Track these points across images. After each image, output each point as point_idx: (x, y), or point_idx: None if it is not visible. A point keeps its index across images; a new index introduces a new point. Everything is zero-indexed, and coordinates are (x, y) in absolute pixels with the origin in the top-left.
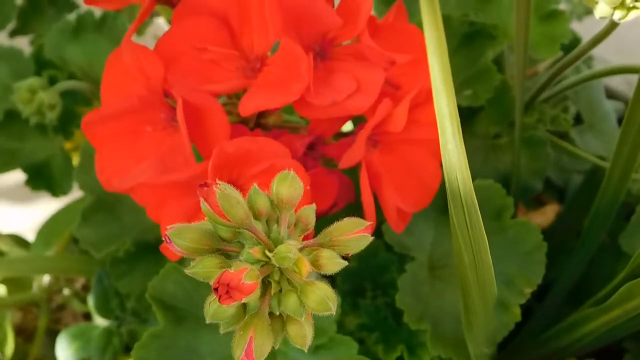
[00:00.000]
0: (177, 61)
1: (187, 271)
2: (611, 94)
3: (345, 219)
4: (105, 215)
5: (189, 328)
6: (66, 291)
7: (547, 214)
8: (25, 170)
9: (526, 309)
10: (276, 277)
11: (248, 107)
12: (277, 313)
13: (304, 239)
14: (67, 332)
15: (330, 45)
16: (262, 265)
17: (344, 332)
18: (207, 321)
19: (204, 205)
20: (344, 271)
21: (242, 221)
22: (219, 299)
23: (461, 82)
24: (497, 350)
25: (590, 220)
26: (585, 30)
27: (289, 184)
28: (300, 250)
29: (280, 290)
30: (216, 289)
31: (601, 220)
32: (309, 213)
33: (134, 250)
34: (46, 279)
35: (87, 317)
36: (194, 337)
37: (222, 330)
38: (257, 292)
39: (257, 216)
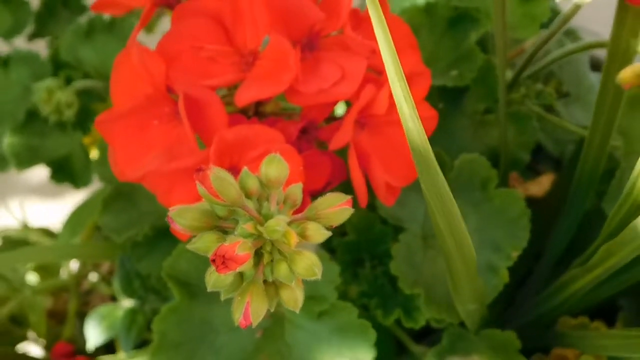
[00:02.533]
0: (178, 59)
1: (188, 246)
2: (597, 66)
3: (328, 193)
4: (124, 203)
5: (202, 302)
6: (93, 276)
7: (543, 183)
8: (48, 165)
9: (524, 274)
10: (268, 248)
11: (243, 98)
12: (271, 280)
13: (293, 214)
14: (95, 313)
15: (317, 37)
16: (255, 239)
17: (346, 300)
18: (208, 289)
19: (200, 188)
20: (344, 244)
21: (234, 200)
22: (217, 269)
23: (448, 63)
24: (497, 314)
25: (574, 187)
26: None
27: (276, 166)
28: (289, 223)
29: (272, 260)
30: (214, 260)
31: (584, 186)
32: (297, 191)
33: (151, 234)
34: (74, 265)
35: (114, 299)
36: (207, 310)
37: (222, 297)
38: (250, 261)
39: (249, 195)
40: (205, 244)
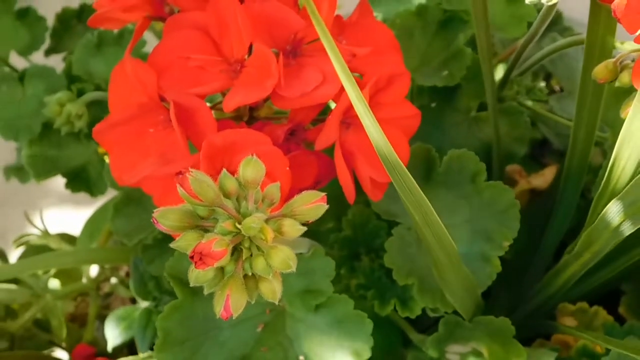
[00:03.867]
0: (169, 69)
1: (172, 245)
2: None
3: (303, 192)
4: (134, 208)
5: (204, 299)
6: (113, 280)
7: (546, 176)
8: (64, 175)
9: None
10: (247, 245)
11: (229, 103)
12: (250, 274)
13: (271, 211)
14: (114, 315)
15: (301, 44)
16: (233, 236)
17: (346, 293)
18: (191, 285)
19: (180, 190)
20: (341, 239)
21: (213, 200)
22: (195, 265)
23: (440, 63)
24: (499, 304)
25: (564, 179)
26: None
27: (253, 167)
28: (267, 221)
29: (251, 255)
30: (192, 257)
31: (574, 177)
32: (274, 190)
33: (161, 236)
34: (94, 270)
35: (134, 301)
36: (209, 307)
37: (205, 292)
38: (227, 257)
39: (228, 195)
40: (187, 242)
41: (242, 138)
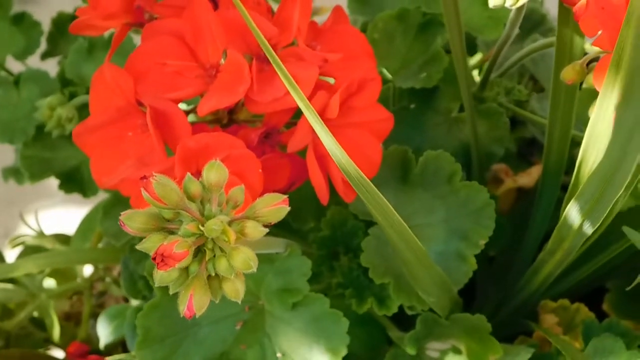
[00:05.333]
0: (146, 75)
1: (137, 247)
2: None
3: (266, 194)
4: (122, 209)
5: None
6: (107, 279)
7: (532, 175)
8: (57, 176)
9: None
10: (210, 246)
11: (203, 108)
12: (214, 274)
13: (236, 213)
14: (106, 314)
15: (275, 50)
16: (197, 237)
17: (327, 291)
18: (156, 285)
19: (144, 193)
20: (320, 239)
21: (176, 203)
22: (157, 267)
23: (419, 66)
24: (487, 301)
25: (541, 178)
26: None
27: (216, 171)
28: (230, 222)
29: (214, 256)
30: (154, 259)
31: (551, 176)
32: (238, 193)
33: None
34: (89, 270)
35: (127, 300)
36: None
37: (171, 291)
38: (189, 258)
39: (192, 198)
40: (152, 244)
41: (216, 141)
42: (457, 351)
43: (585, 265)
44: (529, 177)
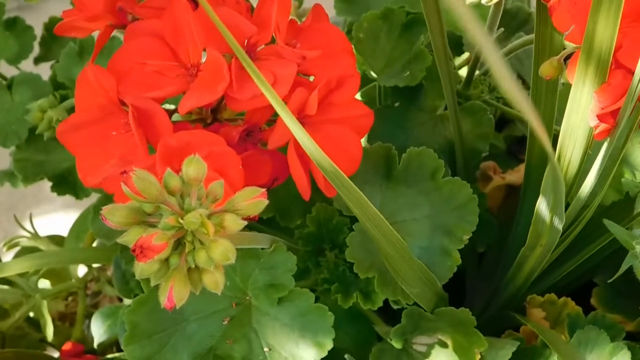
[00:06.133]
0: (128, 74)
1: (118, 240)
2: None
3: (245, 188)
4: None
5: None
6: (101, 279)
7: (521, 172)
8: (50, 179)
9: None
10: (189, 239)
11: (184, 106)
12: (194, 266)
13: (215, 207)
14: (99, 313)
15: (254, 48)
16: (177, 230)
17: (315, 287)
18: (137, 277)
19: (124, 188)
20: (306, 235)
21: (156, 197)
22: (137, 258)
23: (403, 64)
24: (478, 296)
25: (525, 174)
26: None
27: (195, 165)
28: (210, 216)
29: (194, 248)
30: (134, 250)
31: (535, 172)
32: (217, 187)
33: None
34: (83, 270)
35: (121, 299)
36: None
37: (152, 283)
38: (168, 250)
39: (172, 192)
40: (132, 237)
41: (196, 139)
42: (443, 345)
43: (572, 259)
44: (518, 174)
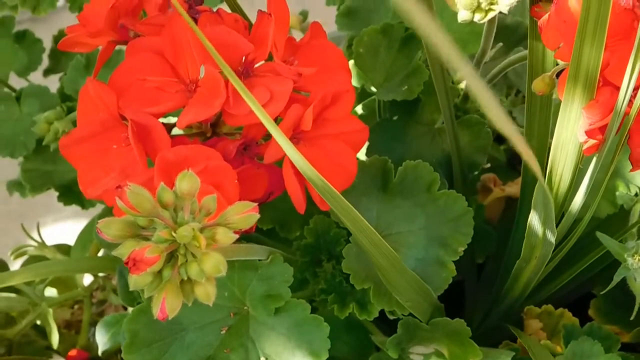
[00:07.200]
0: (128, 90)
1: (113, 253)
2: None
3: (236, 202)
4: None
5: None
6: (107, 288)
7: (520, 184)
8: (56, 189)
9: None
10: (182, 252)
11: (182, 120)
12: (187, 278)
13: (208, 221)
14: (104, 321)
15: (252, 65)
16: (170, 243)
17: (313, 297)
18: (130, 288)
19: (119, 202)
20: (303, 246)
21: (149, 211)
22: (130, 270)
23: (402, 79)
24: (478, 307)
25: (522, 187)
26: None
27: (188, 180)
28: (202, 229)
29: (187, 261)
30: (127, 263)
31: (532, 184)
32: (209, 201)
33: None
34: (89, 279)
35: (126, 308)
36: None
37: (145, 295)
38: (160, 262)
39: (165, 206)
40: (126, 250)
41: (194, 153)
42: (439, 355)
43: (568, 271)
44: (517, 186)
